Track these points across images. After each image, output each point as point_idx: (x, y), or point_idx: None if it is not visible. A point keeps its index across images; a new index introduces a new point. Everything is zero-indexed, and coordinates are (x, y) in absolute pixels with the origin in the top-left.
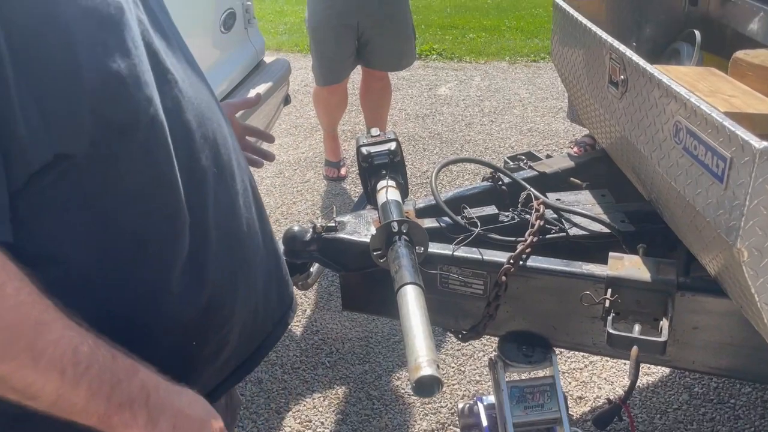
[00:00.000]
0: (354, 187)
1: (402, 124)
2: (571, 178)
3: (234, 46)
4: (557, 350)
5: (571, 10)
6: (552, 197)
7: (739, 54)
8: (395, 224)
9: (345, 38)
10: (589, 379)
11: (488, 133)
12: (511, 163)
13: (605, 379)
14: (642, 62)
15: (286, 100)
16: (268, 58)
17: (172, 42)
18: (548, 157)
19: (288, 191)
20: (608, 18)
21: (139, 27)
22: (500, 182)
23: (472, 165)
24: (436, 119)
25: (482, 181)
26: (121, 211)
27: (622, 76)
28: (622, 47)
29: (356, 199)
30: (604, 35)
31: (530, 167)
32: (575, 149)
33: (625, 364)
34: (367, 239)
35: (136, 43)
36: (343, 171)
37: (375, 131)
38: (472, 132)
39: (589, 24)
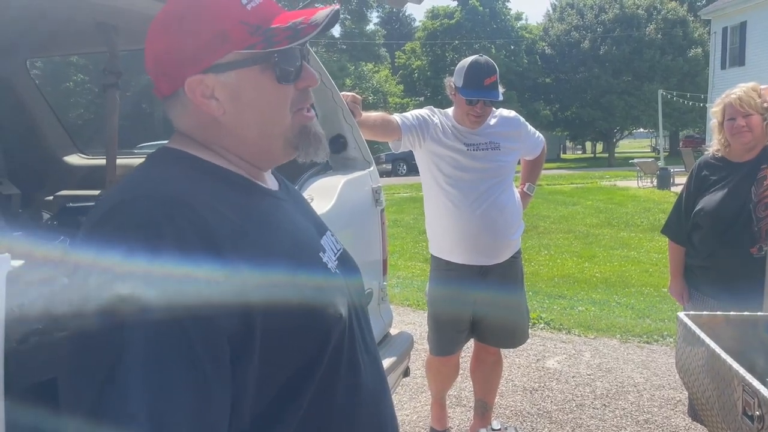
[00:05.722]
0: None
1: (509, 396)
2: None
3: None
4: None
5: (698, 331)
6: None
7: None
8: None
9: (462, 314)
10: None
11: (601, 418)
12: None
13: None
14: None
15: (406, 373)
16: (393, 330)
17: None
18: None
19: None
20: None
21: None
22: None
23: None
24: (544, 395)
25: None
26: None
27: (758, 412)
28: (755, 383)
29: None
30: (735, 365)
31: None
32: None
33: None
34: None
35: None
36: None
37: (496, 424)
38: (583, 416)
39: (719, 351)
